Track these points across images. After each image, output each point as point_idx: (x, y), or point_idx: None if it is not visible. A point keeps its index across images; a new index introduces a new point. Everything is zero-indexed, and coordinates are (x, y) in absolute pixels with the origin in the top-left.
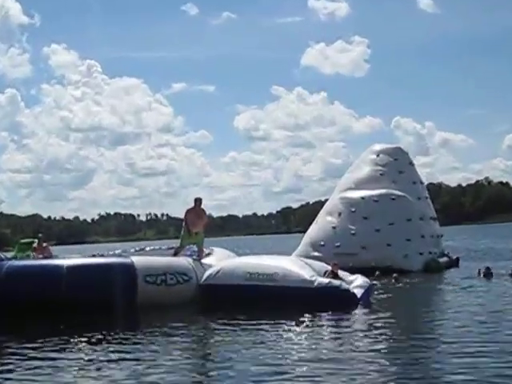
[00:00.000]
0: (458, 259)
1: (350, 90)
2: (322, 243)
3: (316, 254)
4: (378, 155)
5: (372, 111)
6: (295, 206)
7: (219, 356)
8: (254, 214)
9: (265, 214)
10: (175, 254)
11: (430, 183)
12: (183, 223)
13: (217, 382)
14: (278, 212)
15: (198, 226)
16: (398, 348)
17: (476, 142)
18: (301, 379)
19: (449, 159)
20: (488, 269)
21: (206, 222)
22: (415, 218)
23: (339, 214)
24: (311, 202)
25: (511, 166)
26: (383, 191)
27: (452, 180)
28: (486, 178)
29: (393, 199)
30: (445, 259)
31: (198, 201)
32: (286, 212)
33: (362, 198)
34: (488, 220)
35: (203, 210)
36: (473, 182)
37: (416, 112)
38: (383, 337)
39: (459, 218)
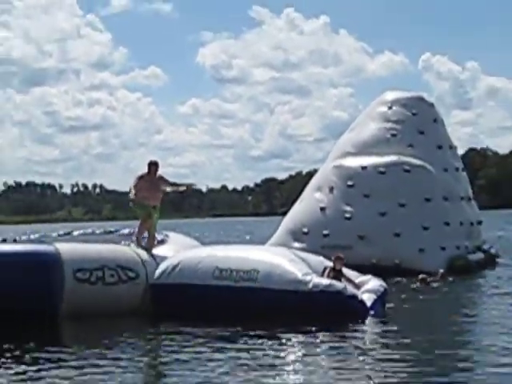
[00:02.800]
0: (494, 256)
1: (361, 14)
2: (306, 230)
3: (297, 245)
4: (390, 107)
5: (392, 45)
6: (282, 176)
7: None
8: (224, 188)
9: (239, 187)
10: (138, 242)
11: (471, 149)
12: (132, 197)
13: None
14: (257, 185)
15: (152, 201)
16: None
17: None
18: None
19: (498, 115)
20: None
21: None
22: (437, 197)
23: (331, 190)
24: (304, 172)
25: None
26: (394, 159)
27: (502, 145)
28: None
29: (406, 170)
30: (479, 255)
31: (153, 165)
32: (269, 185)
33: (363, 167)
34: None
35: (162, 177)
36: None
37: (454, 48)
38: (396, 365)
39: None
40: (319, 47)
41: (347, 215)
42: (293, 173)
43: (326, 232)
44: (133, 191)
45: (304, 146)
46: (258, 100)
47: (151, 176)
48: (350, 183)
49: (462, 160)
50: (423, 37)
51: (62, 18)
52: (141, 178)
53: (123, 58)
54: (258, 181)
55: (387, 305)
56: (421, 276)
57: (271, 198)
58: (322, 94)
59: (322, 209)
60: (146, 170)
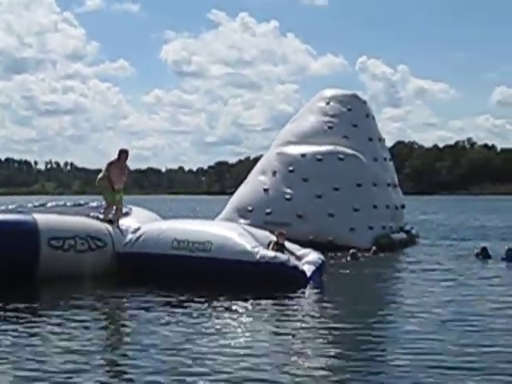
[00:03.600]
0: (415, 236)
1: (307, 20)
2: (250, 208)
3: (242, 221)
4: (328, 103)
5: (333, 48)
6: (232, 160)
7: (133, 341)
8: (181, 169)
9: (194, 168)
10: (105, 217)
11: (400, 142)
12: (102, 178)
13: (129, 370)
14: (210, 167)
15: (120, 184)
16: (348, 339)
17: (459, 94)
18: (225, 376)
19: (424, 113)
20: (484, 249)
21: (127, 180)
22: (367, 183)
23: (273, 174)
24: (252, 157)
25: (500, 126)
26: (330, 148)
27: (427, 139)
28: (469, 140)
29: (341, 159)
30: (402, 235)
31: (124, 153)
32: (221, 168)
33: (303, 155)
34: (468, 190)
35: (127, 165)
36: (452, 142)
37: (387, 52)
38: (332, 326)
39: (434, 186)
40: (269, 48)
41: (287, 196)
42: (242, 158)
43: (268, 210)
44: (100, 175)
45: (253, 135)
46: (214, 92)
47: (121, 163)
48: (290, 168)
49: (390, 151)
50: (361, 42)
51: (42, 14)
52: (111, 164)
53: (95, 51)
54: (212, 164)
55: (324, 275)
56: (351, 251)
57: (222, 179)
58: (270, 89)
59: (266, 190)
60: (114, 153)
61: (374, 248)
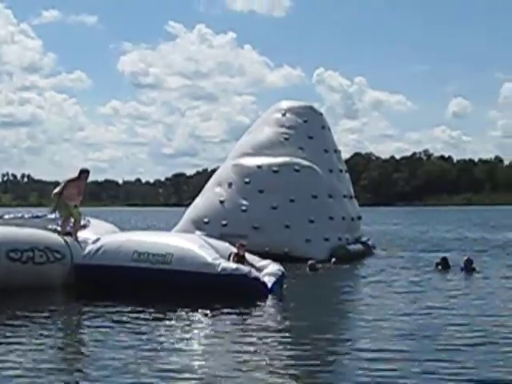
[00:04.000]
0: (371, 247)
1: (264, 32)
2: (206, 220)
3: (198, 232)
4: (284, 114)
5: (290, 60)
6: (190, 172)
7: (89, 352)
8: (138, 181)
9: (151, 180)
10: (63, 230)
11: (357, 153)
12: (55, 193)
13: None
14: (167, 179)
15: (77, 201)
16: (307, 351)
17: (416, 105)
18: None
19: (381, 125)
20: (444, 259)
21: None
22: (323, 194)
23: (229, 185)
24: (210, 169)
25: (456, 138)
26: (286, 160)
27: (384, 151)
28: (425, 151)
29: (296, 170)
30: (358, 246)
31: (84, 173)
32: (178, 180)
33: (259, 166)
34: (425, 201)
35: (86, 184)
36: (409, 154)
37: (344, 64)
38: (293, 339)
39: (391, 197)
40: (226, 59)
41: (243, 208)
42: (200, 169)
43: (224, 222)
44: (56, 190)
45: (210, 146)
46: (171, 104)
47: (80, 181)
48: (246, 180)
49: (348, 163)
50: (318, 53)
51: None
52: (70, 181)
53: (52, 63)
54: (169, 175)
55: (284, 286)
56: (309, 262)
57: (180, 191)
58: (227, 100)
59: (222, 202)
60: (71, 166)
61: (333, 259)
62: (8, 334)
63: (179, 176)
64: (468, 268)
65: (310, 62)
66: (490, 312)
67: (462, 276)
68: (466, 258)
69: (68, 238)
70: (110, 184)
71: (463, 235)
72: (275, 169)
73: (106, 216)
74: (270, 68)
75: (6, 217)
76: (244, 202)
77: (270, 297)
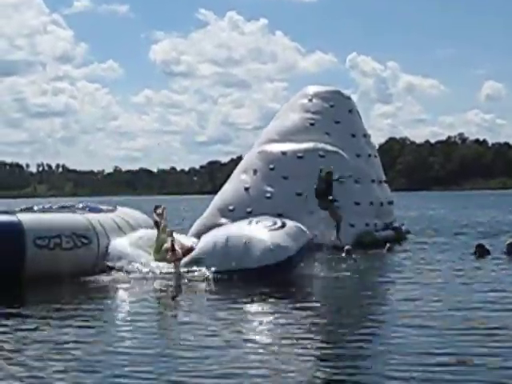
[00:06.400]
0: (404, 233)
1: (296, 18)
2: (232, 207)
3: (224, 220)
4: (310, 100)
5: (322, 45)
6: (224, 159)
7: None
8: (173, 169)
9: (186, 168)
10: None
11: (391, 138)
12: None
13: None
14: (202, 167)
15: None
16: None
17: (448, 89)
18: None
19: (415, 109)
20: (481, 247)
21: None
22: (349, 179)
23: (254, 172)
24: (243, 156)
25: (490, 121)
26: (310, 145)
27: (418, 135)
28: (460, 135)
29: (322, 156)
30: (388, 232)
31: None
32: (213, 167)
33: (284, 152)
34: (461, 186)
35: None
36: (444, 138)
37: (377, 49)
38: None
39: (426, 182)
40: (258, 46)
41: (268, 195)
42: (234, 156)
43: (249, 209)
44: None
45: (243, 133)
46: (203, 92)
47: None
48: (271, 166)
49: (382, 148)
50: (350, 38)
51: (31, 16)
52: None
53: (84, 53)
54: (203, 163)
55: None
56: (346, 247)
57: (214, 178)
58: (259, 87)
59: (247, 189)
60: (105, 155)
61: (388, 245)
62: (42, 325)
63: (213, 163)
64: (510, 251)
65: (342, 48)
66: None
67: (506, 260)
68: (508, 241)
69: (94, 222)
70: (144, 173)
71: (502, 219)
72: (300, 155)
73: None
74: (301, 54)
75: (35, 208)
76: (268, 189)
77: None
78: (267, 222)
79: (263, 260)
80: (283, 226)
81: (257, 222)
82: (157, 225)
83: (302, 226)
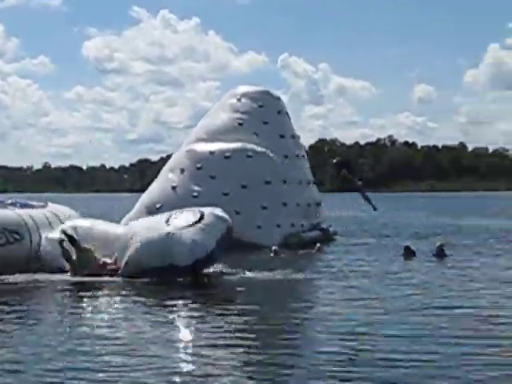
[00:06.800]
0: (332, 234)
1: (228, 17)
2: (159, 206)
3: None
4: (239, 99)
5: (255, 46)
6: (154, 158)
7: None
8: (103, 166)
9: (116, 166)
10: None
11: (321, 139)
12: None
13: None
14: (132, 165)
15: None
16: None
17: (380, 92)
18: None
19: (346, 111)
20: (408, 248)
21: None
22: (276, 180)
23: (182, 171)
24: None
25: (421, 124)
26: (238, 145)
27: (349, 137)
28: (390, 137)
29: (249, 156)
30: (315, 233)
31: None
32: (143, 165)
33: (211, 152)
34: (390, 188)
35: None
36: (374, 140)
37: (309, 50)
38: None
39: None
40: (191, 45)
41: (195, 194)
42: (164, 155)
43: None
44: None
45: (175, 132)
46: (136, 90)
47: None
48: (198, 166)
49: (312, 149)
50: (282, 39)
51: None
52: None
53: (15, 48)
54: (134, 161)
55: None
56: (273, 248)
57: (145, 176)
58: (192, 86)
59: (174, 188)
60: (36, 151)
61: (318, 245)
62: None
63: (144, 162)
64: (440, 254)
65: (275, 48)
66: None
67: (433, 263)
68: (438, 244)
69: (26, 218)
70: (74, 170)
71: (430, 222)
72: (227, 155)
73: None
74: (234, 53)
75: None
76: (196, 188)
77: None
78: (186, 215)
79: (183, 260)
80: (201, 218)
81: (175, 218)
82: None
83: (221, 214)
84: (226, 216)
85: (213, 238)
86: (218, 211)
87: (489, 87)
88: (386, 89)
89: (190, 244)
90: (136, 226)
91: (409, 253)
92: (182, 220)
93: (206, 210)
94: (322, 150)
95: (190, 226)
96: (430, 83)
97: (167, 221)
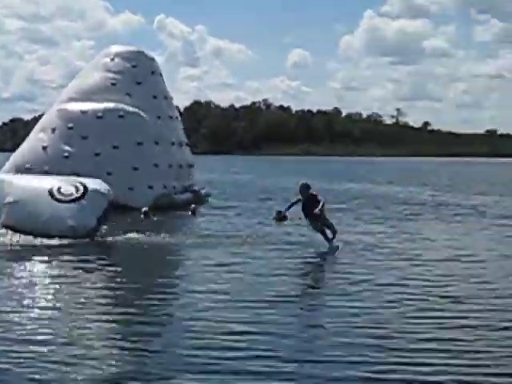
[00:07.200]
0: (204, 196)
1: None
2: (29, 166)
3: None
4: (112, 59)
5: (132, 6)
6: (27, 117)
7: None
8: None
9: None
10: None
11: (196, 101)
12: None
13: None
14: (4, 124)
15: None
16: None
17: (256, 55)
18: None
19: (221, 73)
20: (279, 212)
21: None
22: (148, 141)
23: (53, 131)
24: None
25: (296, 88)
26: (110, 105)
27: (224, 99)
28: (265, 101)
29: (121, 116)
30: (187, 195)
31: None
32: (15, 125)
33: (83, 112)
34: (264, 151)
35: None
36: (248, 103)
37: (186, 12)
38: None
39: (231, 146)
40: (66, 3)
41: (66, 154)
42: (37, 115)
43: (46, 168)
44: None
45: (48, 91)
46: (8, 48)
47: None
48: (70, 125)
49: (187, 111)
50: (160, 0)
51: None
52: None
53: None
54: (6, 120)
55: None
56: (143, 209)
57: (17, 136)
58: (67, 45)
59: (44, 148)
60: None
61: (192, 206)
62: None
63: (16, 121)
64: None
65: (151, 9)
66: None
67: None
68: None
69: None
70: None
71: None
72: (99, 114)
73: None
74: (110, 13)
75: None
76: (66, 148)
77: None
78: (68, 188)
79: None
80: (84, 193)
81: (58, 190)
82: None
83: (103, 187)
84: (107, 190)
85: (94, 216)
86: (101, 186)
87: (364, 54)
88: (262, 52)
89: (71, 221)
90: (15, 187)
91: (280, 217)
92: (64, 194)
93: (89, 185)
94: (198, 113)
95: (73, 201)
96: (306, 48)
97: (50, 193)
